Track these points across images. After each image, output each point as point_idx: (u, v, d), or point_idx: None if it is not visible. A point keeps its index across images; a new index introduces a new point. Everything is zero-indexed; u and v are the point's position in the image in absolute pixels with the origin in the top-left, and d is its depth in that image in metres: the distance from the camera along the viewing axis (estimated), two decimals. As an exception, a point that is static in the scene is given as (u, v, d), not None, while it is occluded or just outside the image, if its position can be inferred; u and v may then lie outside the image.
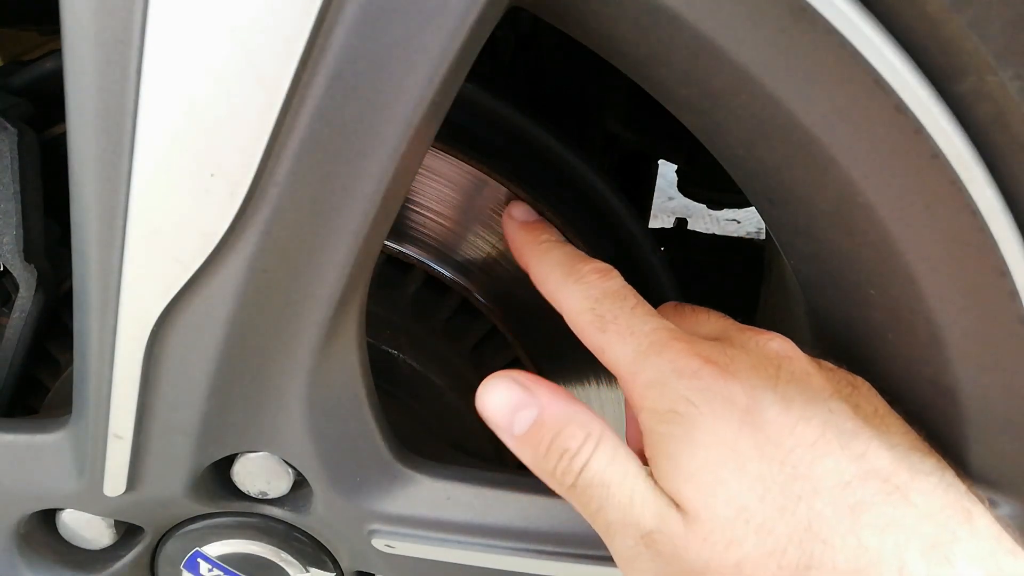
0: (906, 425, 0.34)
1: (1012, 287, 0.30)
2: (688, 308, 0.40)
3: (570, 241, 0.50)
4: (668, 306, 0.41)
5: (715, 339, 0.36)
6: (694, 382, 0.33)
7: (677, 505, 0.32)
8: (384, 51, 0.28)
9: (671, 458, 0.32)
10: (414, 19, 0.27)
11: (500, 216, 0.49)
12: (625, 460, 0.34)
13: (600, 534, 0.35)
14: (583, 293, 0.37)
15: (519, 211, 0.44)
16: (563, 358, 0.55)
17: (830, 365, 0.35)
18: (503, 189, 0.48)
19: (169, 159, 0.30)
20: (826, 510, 0.30)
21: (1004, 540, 0.31)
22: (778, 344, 0.35)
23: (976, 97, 0.26)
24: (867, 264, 0.32)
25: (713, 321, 0.38)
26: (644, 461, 0.34)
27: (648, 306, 0.36)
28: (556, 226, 0.49)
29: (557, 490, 0.35)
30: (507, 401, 0.35)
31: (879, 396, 0.35)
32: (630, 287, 0.37)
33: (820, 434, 0.32)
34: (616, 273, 0.38)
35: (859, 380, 0.35)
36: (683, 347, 0.34)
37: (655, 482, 0.33)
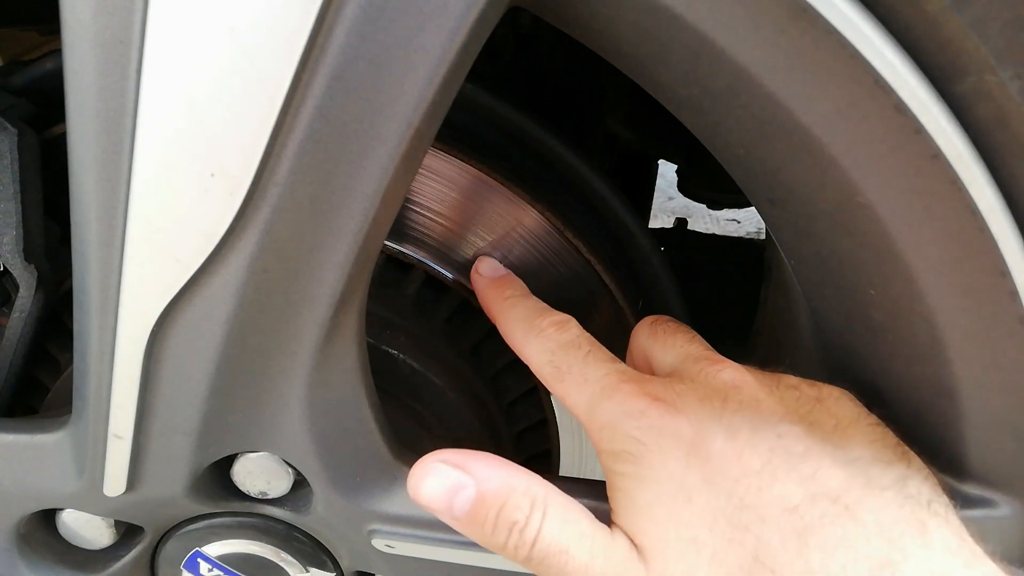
0: (878, 432, 0.34)
1: (1012, 287, 0.30)
2: (661, 328, 0.40)
3: (570, 241, 0.51)
4: (646, 322, 0.42)
5: (668, 374, 0.37)
6: (642, 421, 0.34)
7: (633, 543, 0.33)
8: (384, 51, 0.28)
9: (626, 495, 0.34)
10: (414, 19, 0.27)
11: (500, 216, 0.49)
12: (577, 520, 0.34)
13: None
14: (542, 346, 0.39)
15: (486, 267, 0.47)
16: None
17: (793, 382, 0.35)
18: (503, 189, 0.48)
19: (169, 159, 0.30)
20: (773, 538, 0.31)
21: (961, 552, 0.30)
22: (728, 374, 0.35)
23: (976, 97, 0.27)
24: (867, 264, 0.32)
25: (678, 347, 0.39)
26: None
27: (603, 351, 0.38)
28: (556, 226, 0.50)
29: (514, 561, 0.34)
30: (441, 486, 0.34)
31: (850, 404, 0.35)
32: (586, 335, 0.39)
33: (766, 461, 0.32)
34: (573, 323, 0.40)
35: (826, 391, 0.35)
36: (631, 388, 0.35)
37: (611, 526, 0.34)
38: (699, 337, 0.39)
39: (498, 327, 0.43)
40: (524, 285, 0.45)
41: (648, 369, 0.40)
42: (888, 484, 0.32)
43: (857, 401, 0.35)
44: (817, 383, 0.35)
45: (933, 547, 0.30)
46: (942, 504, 0.32)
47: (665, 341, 0.39)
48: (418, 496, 0.35)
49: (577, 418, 0.37)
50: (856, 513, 0.31)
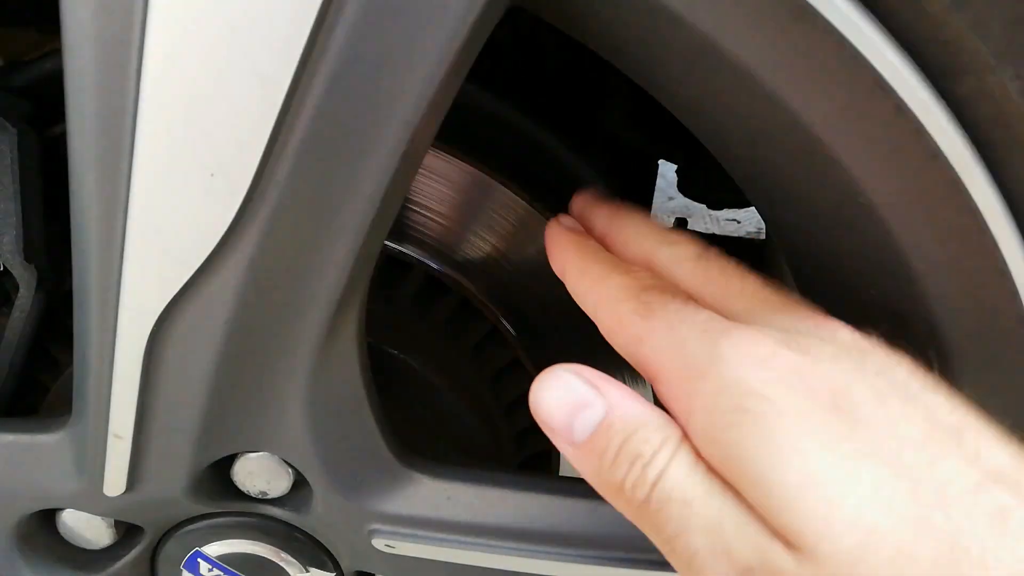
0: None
1: (1012, 287, 0.30)
2: (716, 267, 0.33)
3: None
4: (684, 258, 0.34)
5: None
6: (769, 371, 0.26)
7: (778, 534, 0.25)
8: (384, 51, 0.28)
9: (757, 474, 0.26)
10: (414, 19, 0.27)
11: (500, 216, 0.49)
12: (705, 473, 0.27)
13: (680, 566, 0.28)
14: (628, 283, 0.32)
15: (568, 221, 0.39)
16: (563, 358, 0.54)
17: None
18: (503, 189, 0.48)
19: (169, 159, 0.30)
20: (965, 523, 0.24)
21: None
22: (848, 333, 0.29)
23: (976, 97, 0.27)
24: (867, 264, 0.32)
25: (750, 293, 0.31)
26: None
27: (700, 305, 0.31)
28: (556, 226, 0.49)
29: (625, 510, 0.29)
30: (567, 398, 0.30)
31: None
32: (683, 289, 0.33)
33: (925, 435, 0.26)
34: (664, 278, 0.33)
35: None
36: (750, 331, 0.28)
37: (747, 506, 0.26)
38: (768, 280, 0.32)
39: (568, 263, 0.36)
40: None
41: None
42: None
43: None
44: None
45: None
46: None
47: (728, 286, 0.32)
48: (537, 406, 0.30)
49: (658, 370, 0.29)
50: None
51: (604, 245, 0.37)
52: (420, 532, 0.43)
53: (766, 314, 0.30)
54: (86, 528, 0.48)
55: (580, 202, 0.40)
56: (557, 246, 0.37)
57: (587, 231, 0.38)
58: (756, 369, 0.26)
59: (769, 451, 0.25)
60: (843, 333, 0.29)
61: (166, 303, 0.34)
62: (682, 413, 0.28)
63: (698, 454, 0.28)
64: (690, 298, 0.31)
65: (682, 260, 0.33)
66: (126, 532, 0.50)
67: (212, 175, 0.30)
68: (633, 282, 0.32)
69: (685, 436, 0.28)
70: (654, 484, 0.28)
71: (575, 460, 0.30)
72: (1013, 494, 0.24)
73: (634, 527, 0.30)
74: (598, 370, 0.31)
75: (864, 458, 0.25)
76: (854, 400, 0.26)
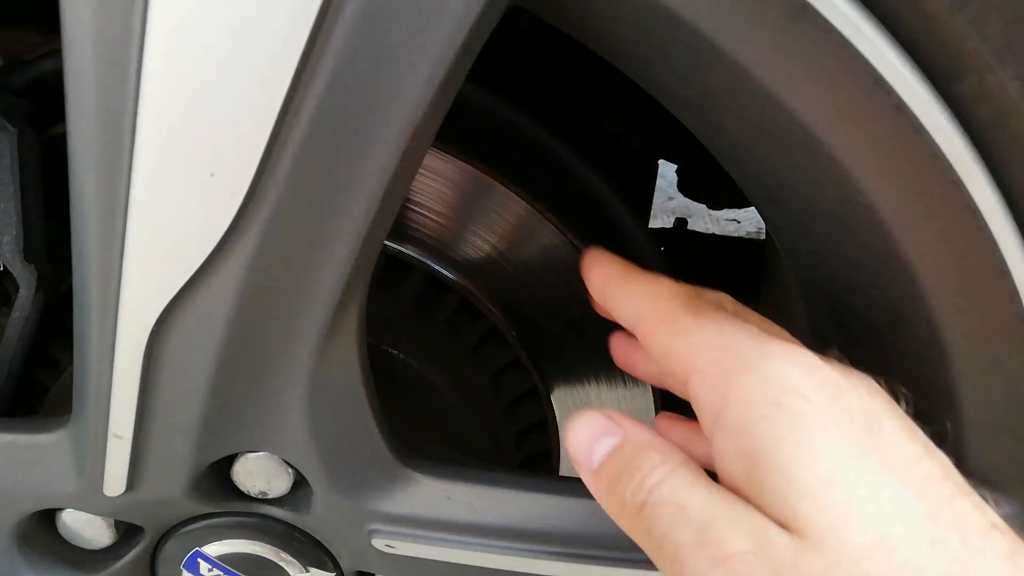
0: None
1: (1012, 287, 0.30)
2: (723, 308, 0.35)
3: (570, 242, 0.51)
4: (683, 298, 0.35)
5: None
6: (808, 377, 0.27)
7: (784, 525, 0.26)
8: (384, 51, 0.28)
9: (780, 466, 0.26)
10: (414, 19, 0.27)
11: (500, 216, 0.49)
12: (708, 485, 0.29)
13: (664, 562, 0.29)
14: (680, 288, 0.34)
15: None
16: (563, 358, 0.55)
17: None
18: (503, 189, 0.48)
19: (169, 159, 0.30)
20: (979, 554, 0.25)
21: None
22: (874, 383, 0.30)
23: (976, 97, 0.27)
24: (867, 264, 0.32)
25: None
26: None
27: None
28: (556, 226, 0.50)
29: (625, 523, 0.31)
30: (591, 430, 0.33)
31: None
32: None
33: (945, 473, 0.27)
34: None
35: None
36: (796, 346, 0.29)
37: (754, 507, 0.28)
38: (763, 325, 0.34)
39: (599, 270, 0.38)
40: None
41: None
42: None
43: None
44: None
45: None
46: None
47: (764, 326, 0.34)
48: (566, 442, 0.34)
49: (699, 360, 0.30)
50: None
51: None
52: (420, 532, 0.43)
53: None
54: (86, 528, 0.48)
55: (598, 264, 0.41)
56: (597, 263, 0.39)
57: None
58: (801, 372, 0.28)
59: (799, 446, 0.26)
60: (873, 382, 0.30)
61: (166, 303, 0.34)
62: (715, 407, 0.29)
63: (700, 474, 0.29)
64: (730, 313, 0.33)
65: (722, 305, 0.35)
66: (126, 532, 0.50)
67: (212, 175, 0.30)
68: (685, 289, 0.34)
69: (689, 460, 0.30)
70: (651, 490, 0.29)
71: (593, 488, 0.33)
72: (1019, 544, 0.26)
73: (633, 527, 0.31)
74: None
75: (889, 475, 0.26)
76: (885, 427, 0.27)
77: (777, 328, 0.34)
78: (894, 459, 0.27)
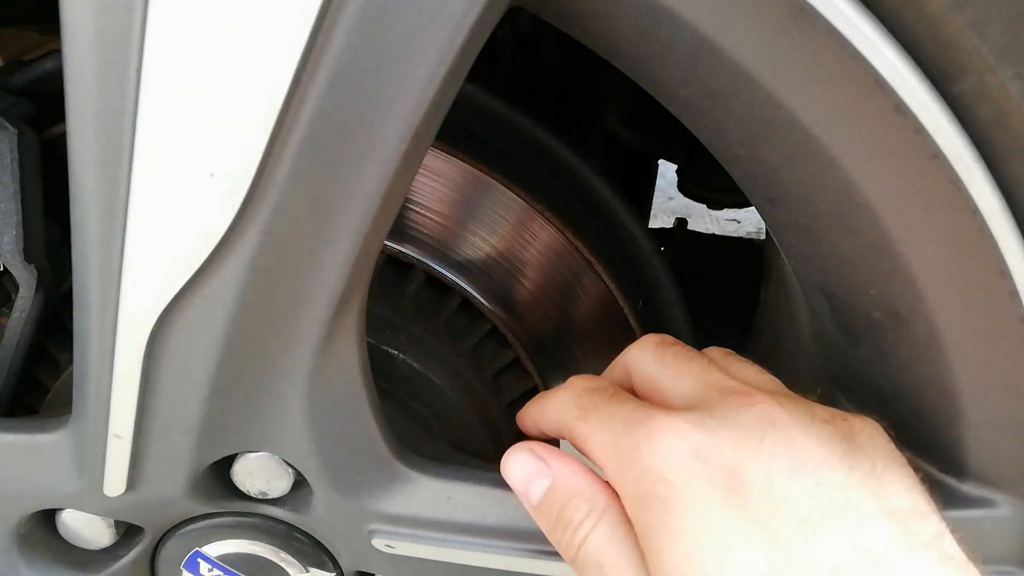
0: (910, 476, 0.32)
1: (1012, 287, 0.30)
2: (671, 353, 0.38)
3: (570, 241, 0.51)
4: (648, 344, 0.39)
5: (685, 405, 0.35)
6: (672, 460, 0.31)
7: None
8: (384, 51, 0.28)
9: (654, 551, 0.31)
10: (414, 19, 0.27)
11: (500, 216, 0.49)
12: (622, 540, 0.33)
13: None
14: (567, 395, 0.38)
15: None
16: (563, 358, 0.55)
17: (826, 416, 0.33)
18: (503, 189, 0.48)
19: (169, 159, 0.30)
20: None
21: None
22: (760, 409, 0.33)
23: (976, 97, 0.26)
24: (867, 264, 0.32)
25: (695, 375, 0.36)
26: None
27: (631, 395, 0.37)
28: (556, 226, 0.50)
29: (567, 561, 0.35)
30: (524, 470, 0.37)
31: (883, 441, 0.33)
32: (615, 385, 0.38)
33: (807, 513, 0.30)
34: (601, 378, 0.39)
35: (857, 426, 0.33)
36: (661, 423, 0.32)
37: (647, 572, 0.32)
38: (715, 363, 0.37)
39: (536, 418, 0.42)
40: None
41: (656, 398, 0.37)
42: (929, 540, 0.30)
43: (885, 434, 0.34)
44: (848, 415, 0.34)
45: None
46: (973, 561, 0.31)
47: (678, 368, 0.37)
48: (506, 475, 0.37)
49: (599, 463, 0.35)
50: (902, 574, 0.29)
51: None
52: (420, 532, 0.43)
53: (700, 392, 0.35)
54: (86, 528, 0.48)
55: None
56: (521, 419, 0.43)
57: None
58: (664, 456, 0.31)
59: (665, 531, 0.31)
60: (755, 411, 0.33)
61: (166, 303, 0.34)
62: (620, 495, 0.34)
63: (620, 523, 0.34)
64: (618, 391, 0.37)
65: (646, 350, 0.39)
66: (126, 532, 0.50)
67: (212, 175, 0.30)
68: (571, 392, 0.38)
69: (612, 503, 0.34)
70: (578, 548, 0.34)
71: (536, 519, 0.36)
72: (875, 573, 0.29)
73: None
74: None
75: (743, 538, 0.30)
76: (746, 480, 0.31)
77: (688, 366, 0.37)
78: (753, 514, 0.30)
